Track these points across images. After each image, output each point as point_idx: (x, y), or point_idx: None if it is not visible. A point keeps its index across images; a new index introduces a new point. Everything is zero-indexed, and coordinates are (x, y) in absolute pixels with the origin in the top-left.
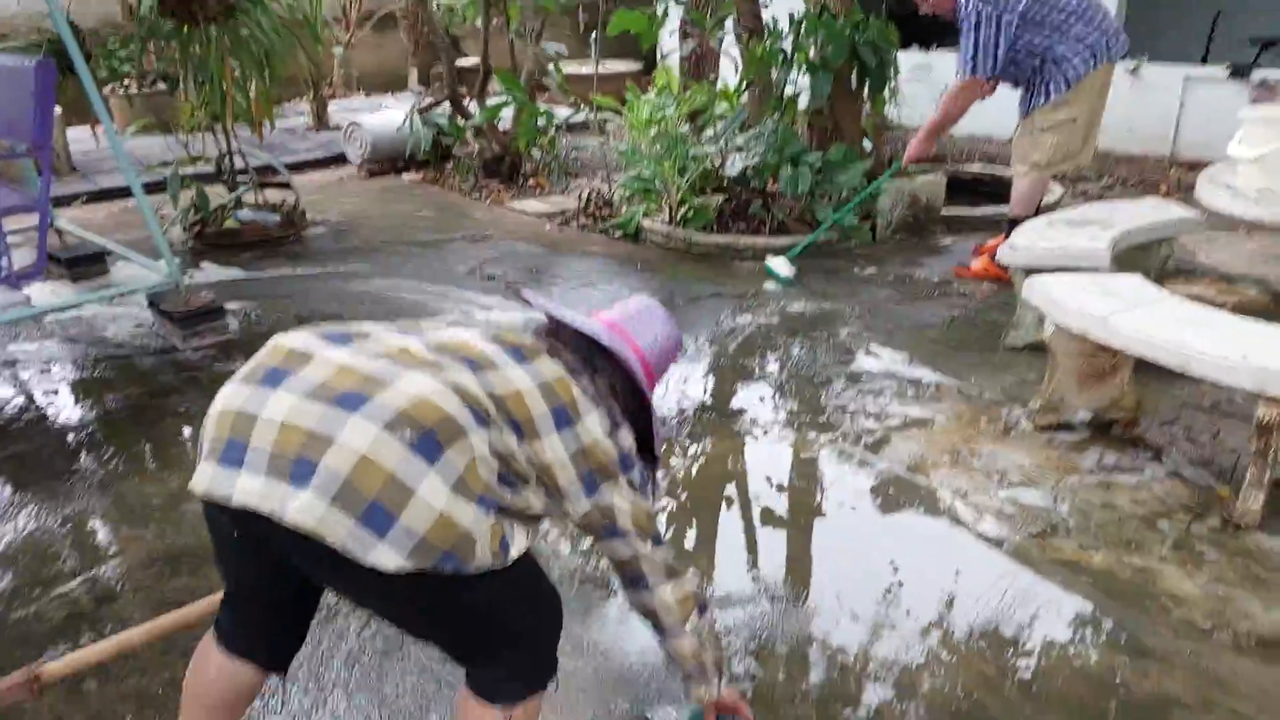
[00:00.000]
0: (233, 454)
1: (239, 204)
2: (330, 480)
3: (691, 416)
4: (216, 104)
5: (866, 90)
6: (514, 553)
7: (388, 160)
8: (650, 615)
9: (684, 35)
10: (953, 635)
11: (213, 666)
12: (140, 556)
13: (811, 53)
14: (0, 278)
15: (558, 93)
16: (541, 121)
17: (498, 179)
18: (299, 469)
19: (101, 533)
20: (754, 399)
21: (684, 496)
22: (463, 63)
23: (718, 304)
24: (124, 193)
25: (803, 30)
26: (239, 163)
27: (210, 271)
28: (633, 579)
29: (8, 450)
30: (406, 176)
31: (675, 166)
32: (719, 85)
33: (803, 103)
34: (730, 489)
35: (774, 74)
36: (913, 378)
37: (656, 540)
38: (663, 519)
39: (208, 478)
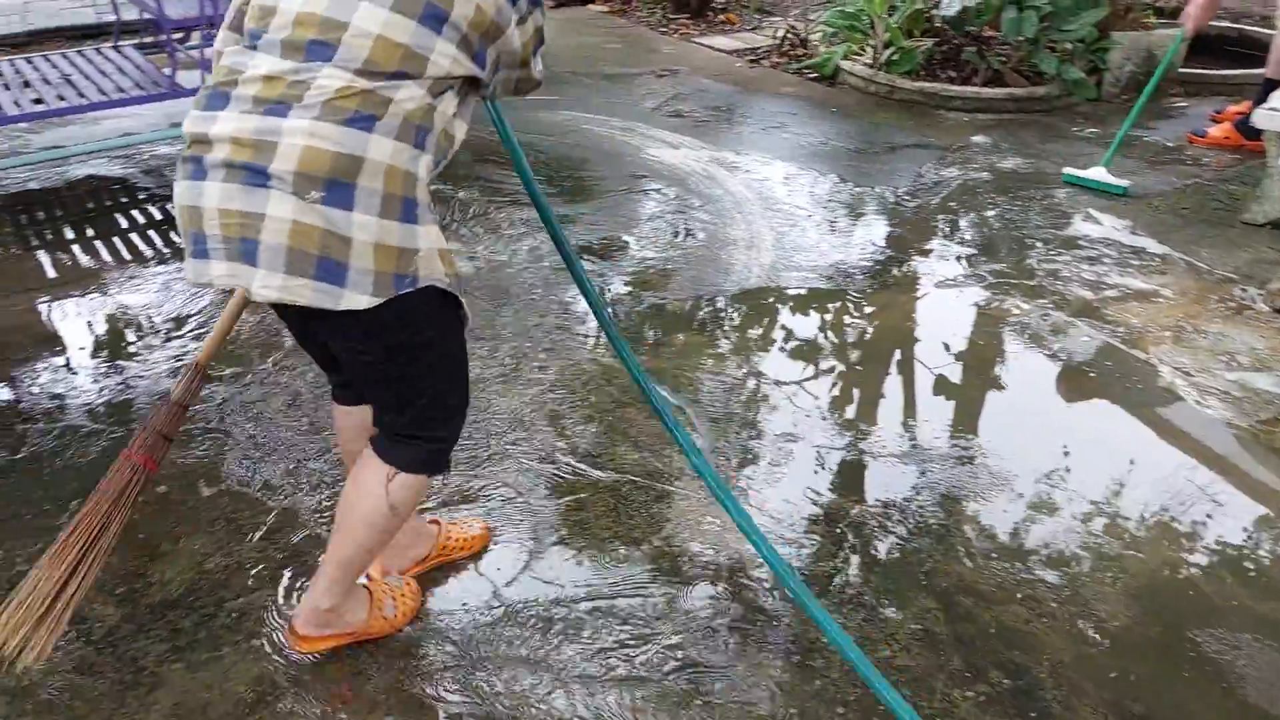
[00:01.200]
0: (198, 244)
1: None
2: (275, 254)
3: (884, 269)
4: None
5: None
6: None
7: None
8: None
9: None
10: (1153, 519)
11: (339, 416)
12: None
13: None
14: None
15: None
16: None
17: (687, 14)
18: (245, 247)
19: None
20: (956, 257)
21: (862, 352)
22: None
23: (920, 155)
24: None
25: None
26: None
27: None
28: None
29: None
30: (594, 7)
31: (884, 4)
32: None
33: None
34: (917, 347)
35: None
36: (1135, 247)
37: (541, 42)
38: (837, 369)
39: (190, 269)
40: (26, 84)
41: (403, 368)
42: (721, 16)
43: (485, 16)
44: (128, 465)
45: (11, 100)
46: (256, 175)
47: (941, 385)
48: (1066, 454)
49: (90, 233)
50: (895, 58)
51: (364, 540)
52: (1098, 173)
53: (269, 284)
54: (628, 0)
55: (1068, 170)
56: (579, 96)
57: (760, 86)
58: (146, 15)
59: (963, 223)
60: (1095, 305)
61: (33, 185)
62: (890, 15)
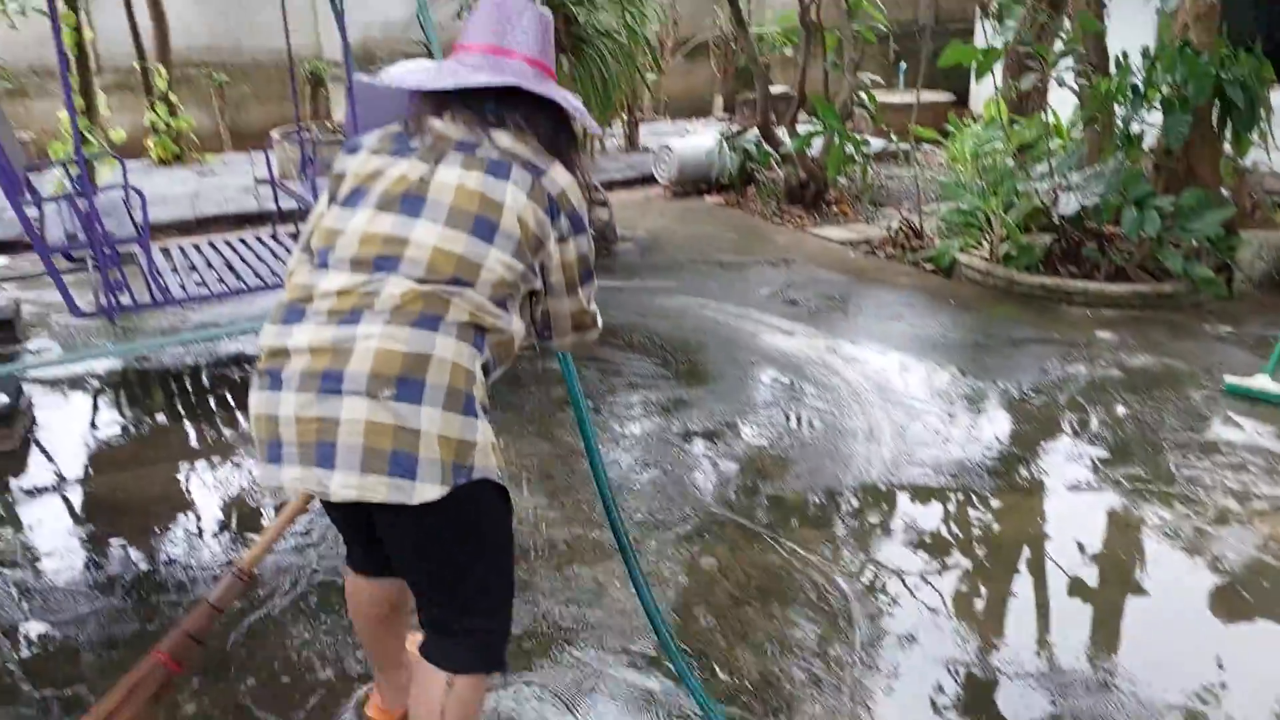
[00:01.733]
0: (273, 451)
1: None
2: (351, 453)
3: (1010, 467)
4: None
5: (1229, 131)
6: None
7: (692, 182)
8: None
9: (1020, 68)
10: None
11: (361, 592)
12: None
13: (1165, 89)
14: None
15: (869, 122)
16: (849, 148)
17: (800, 205)
18: (322, 452)
19: None
20: (1087, 458)
21: (988, 555)
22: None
23: (1043, 350)
24: None
25: (1158, 66)
26: None
27: None
28: (544, 326)
29: None
30: (709, 199)
31: (1001, 201)
32: (1048, 119)
33: (1147, 141)
34: (1048, 553)
35: (1118, 111)
36: None
37: (585, 280)
38: (962, 569)
39: (263, 474)
40: (193, 268)
41: (454, 556)
42: (835, 208)
43: (528, 228)
44: (150, 663)
45: (179, 284)
46: (331, 381)
47: (1076, 597)
48: (1223, 686)
49: (233, 404)
50: (1013, 252)
51: None
52: (1263, 381)
53: (347, 484)
54: (743, 192)
55: (1230, 379)
56: (695, 283)
57: (875, 277)
58: (299, 205)
59: (1093, 422)
60: (1243, 516)
61: (187, 360)
62: (1007, 211)
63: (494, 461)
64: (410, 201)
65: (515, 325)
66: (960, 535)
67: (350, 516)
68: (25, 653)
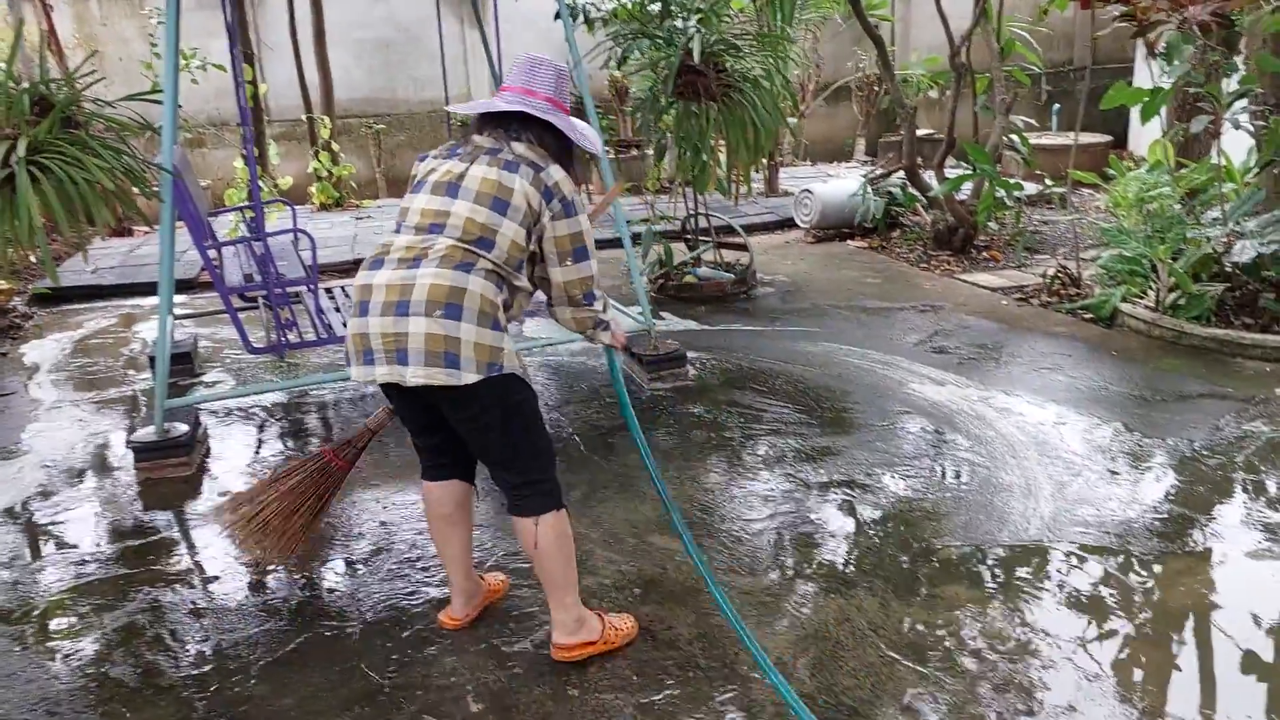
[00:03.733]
0: (367, 357)
1: (699, 261)
2: (418, 355)
3: (1181, 530)
4: (695, 170)
5: None
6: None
7: (833, 227)
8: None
9: (1188, 109)
10: None
11: (431, 493)
12: (614, 578)
13: None
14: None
15: (1022, 165)
16: (1000, 192)
17: (948, 250)
18: (399, 355)
19: (581, 550)
20: (1267, 524)
21: (1156, 623)
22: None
23: (1216, 406)
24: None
25: None
26: (701, 223)
27: (671, 321)
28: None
29: None
30: (851, 243)
31: (1169, 248)
32: (1219, 162)
33: None
34: (1223, 625)
35: None
36: None
37: (577, 258)
38: (1124, 636)
39: (358, 372)
40: None
41: (500, 426)
42: (986, 253)
43: (531, 205)
44: (317, 457)
45: (340, 322)
46: (403, 307)
47: (1250, 672)
48: None
49: (387, 440)
50: (1181, 302)
51: (555, 571)
52: None
53: (417, 374)
54: (886, 236)
55: None
56: (838, 329)
57: (1030, 325)
58: None
59: (1274, 486)
60: None
61: (345, 394)
62: (1175, 259)
63: (517, 363)
64: (452, 187)
65: (525, 283)
66: (1123, 600)
67: (418, 410)
68: (196, 670)
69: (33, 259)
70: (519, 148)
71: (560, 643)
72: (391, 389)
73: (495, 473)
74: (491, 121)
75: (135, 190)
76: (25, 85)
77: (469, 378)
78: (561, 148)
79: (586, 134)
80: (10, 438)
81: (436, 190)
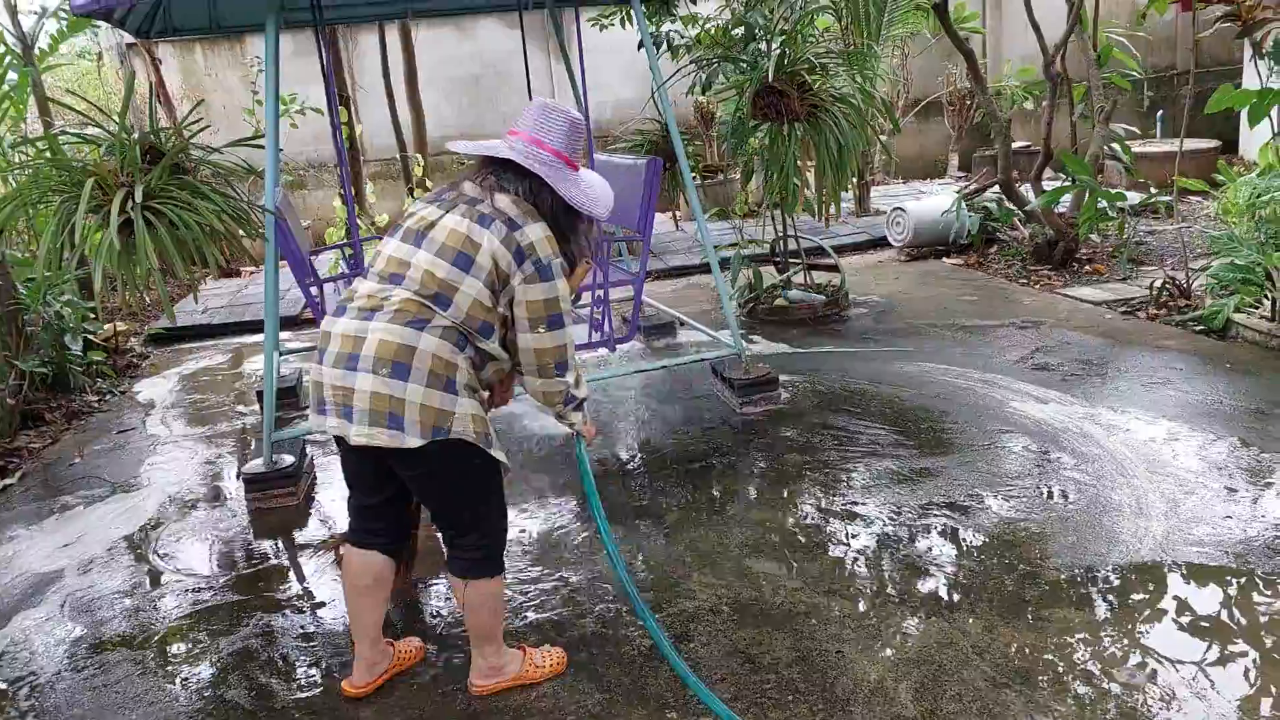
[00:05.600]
0: (321, 407)
1: (789, 284)
2: (361, 414)
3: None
4: (783, 193)
5: None
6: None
7: (927, 245)
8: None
9: None
10: None
11: (352, 563)
12: (711, 601)
13: None
14: (602, 340)
15: (1125, 175)
16: (1102, 203)
17: (1048, 265)
18: (344, 411)
19: (676, 574)
20: None
21: (1274, 642)
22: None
23: None
24: (681, 271)
25: None
26: (791, 245)
27: (762, 345)
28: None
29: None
30: (947, 261)
31: None
32: None
33: None
34: None
35: None
36: None
37: (550, 325)
38: (1248, 661)
39: (314, 420)
40: None
41: (445, 490)
42: (1088, 267)
43: (499, 266)
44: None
45: None
46: (352, 361)
47: None
48: None
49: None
50: None
51: (479, 625)
52: None
53: (361, 432)
54: (983, 252)
55: None
56: (935, 348)
57: (1136, 339)
58: None
59: None
60: None
61: None
62: None
63: (473, 428)
64: (420, 236)
65: (495, 348)
66: (1245, 623)
67: (366, 466)
68: (306, 694)
69: (147, 300)
70: (502, 201)
71: (475, 683)
72: (341, 441)
73: (437, 523)
74: (489, 166)
75: (241, 232)
76: (136, 135)
77: (412, 441)
78: (562, 206)
79: (590, 194)
80: (131, 471)
81: (406, 237)
